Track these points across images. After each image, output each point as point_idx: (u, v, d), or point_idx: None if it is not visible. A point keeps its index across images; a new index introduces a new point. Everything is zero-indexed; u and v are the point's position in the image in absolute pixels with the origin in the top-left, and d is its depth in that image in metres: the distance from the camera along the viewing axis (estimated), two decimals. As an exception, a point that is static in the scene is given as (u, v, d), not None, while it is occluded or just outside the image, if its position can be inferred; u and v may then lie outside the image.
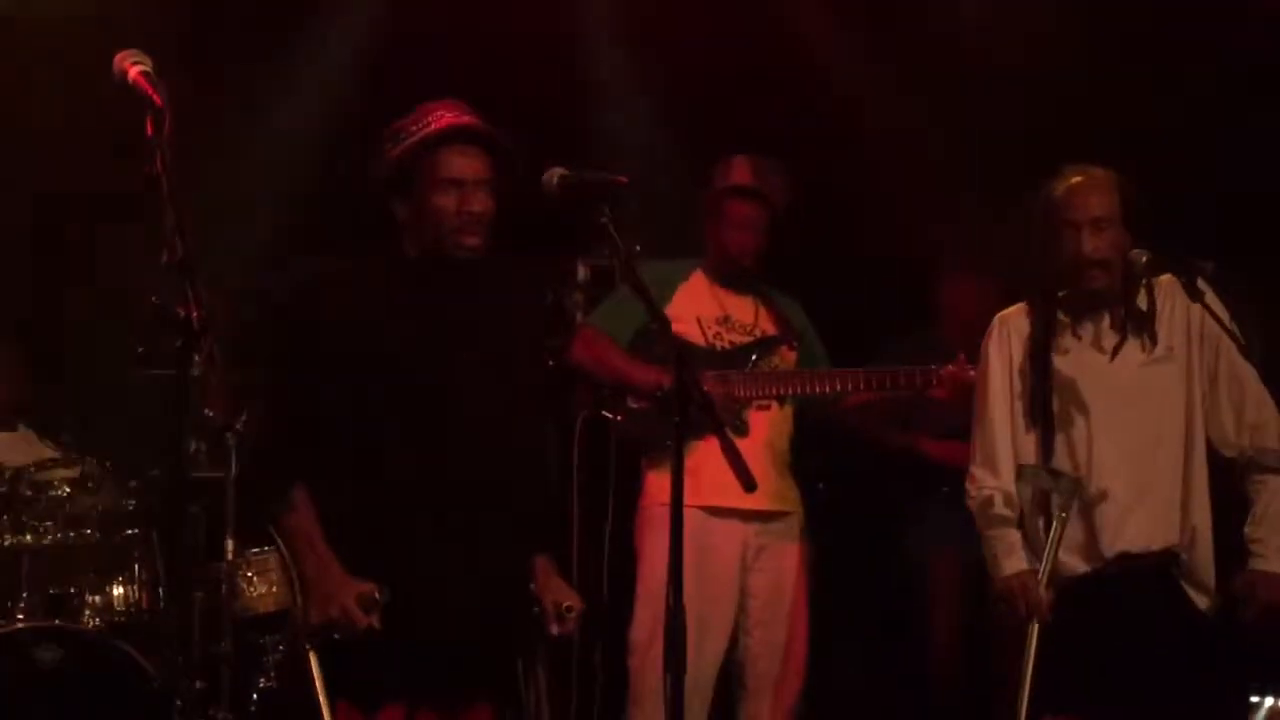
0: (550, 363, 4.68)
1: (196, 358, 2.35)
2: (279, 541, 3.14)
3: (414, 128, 3.10)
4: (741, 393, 4.43)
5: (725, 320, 4.54)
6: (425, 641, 3.02)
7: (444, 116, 3.09)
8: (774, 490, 4.40)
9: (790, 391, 4.50)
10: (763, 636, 4.46)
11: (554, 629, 3.13)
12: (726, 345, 4.51)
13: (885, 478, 5.16)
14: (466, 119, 3.10)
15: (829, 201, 5.14)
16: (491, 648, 3.10)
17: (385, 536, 3.04)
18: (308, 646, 3.02)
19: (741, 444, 3.25)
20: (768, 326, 4.58)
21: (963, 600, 4.97)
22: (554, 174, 2.94)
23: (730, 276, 4.57)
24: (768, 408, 4.49)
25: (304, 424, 3.05)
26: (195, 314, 2.34)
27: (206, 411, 2.40)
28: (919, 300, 5.29)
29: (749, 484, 2.76)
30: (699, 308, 4.51)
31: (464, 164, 3.07)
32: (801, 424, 4.62)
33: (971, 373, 4.26)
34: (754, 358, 4.52)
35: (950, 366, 4.42)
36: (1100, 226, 3.58)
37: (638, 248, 2.93)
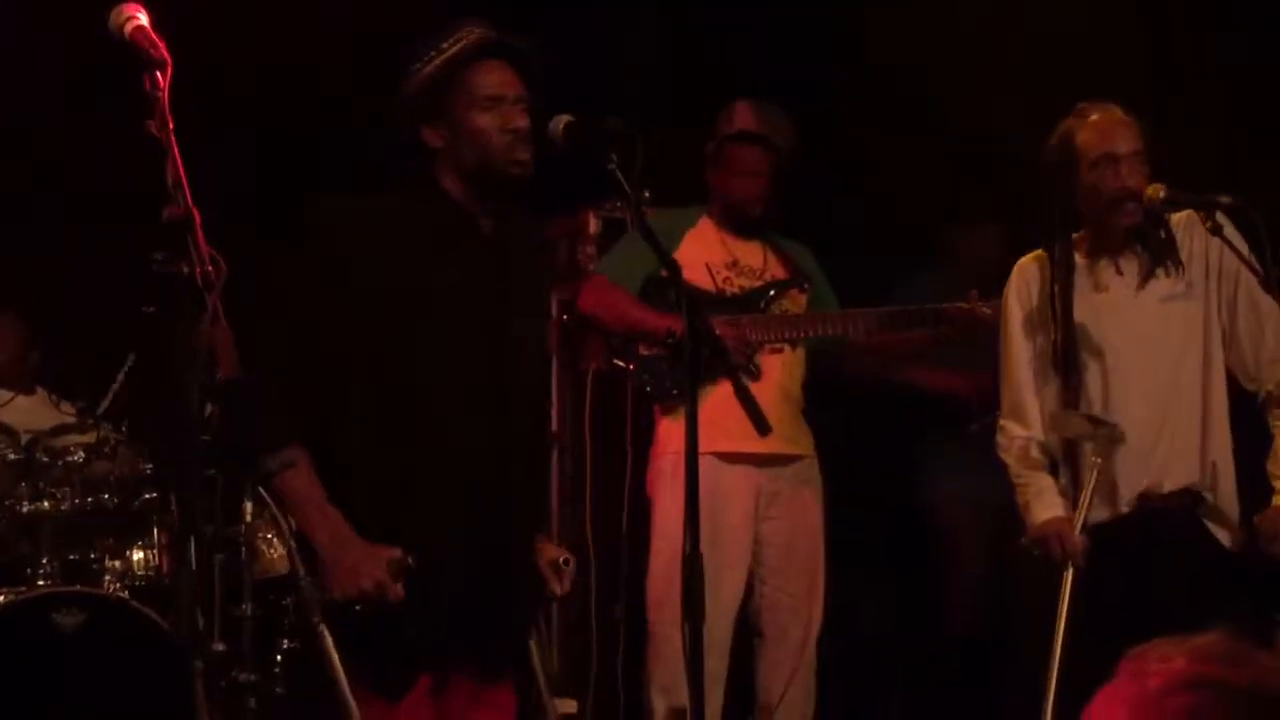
0: (564, 315, 4.65)
1: (202, 316, 2.32)
2: (271, 504, 2.93)
3: (444, 45, 2.90)
4: (753, 336, 4.38)
5: (734, 265, 4.50)
6: (447, 612, 2.85)
7: (473, 32, 2.91)
8: (787, 434, 4.36)
9: (802, 333, 4.46)
10: (780, 584, 4.44)
11: (557, 589, 3.02)
12: (736, 290, 4.47)
13: (901, 422, 5.13)
14: (497, 34, 2.92)
15: (836, 143, 5.07)
16: (508, 616, 2.98)
17: (412, 497, 2.86)
18: (318, 622, 2.78)
19: (754, 387, 3.22)
20: (777, 271, 4.55)
21: (981, 545, 4.95)
22: (560, 121, 2.86)
23: (738, 223, 4.53)
24: (780, 351, 4.46)
25: (316, 374, 2.83)
26: (198, 271, 2.31)
27: (216, 373, 2.35)
28: (928, 243, 5.24)
29: (763, 427, 2.74)
30: (707, 254, 4.46)
31: (502, 80, 2.90)
32: (814, 368, 4.59)
33: (985, 310, 4.24)
34: (764, 302, 4.49)
35: (961, 304, 4.39)
36: (1138, 160, 3.54)
37: (646, 194, 2.89)
